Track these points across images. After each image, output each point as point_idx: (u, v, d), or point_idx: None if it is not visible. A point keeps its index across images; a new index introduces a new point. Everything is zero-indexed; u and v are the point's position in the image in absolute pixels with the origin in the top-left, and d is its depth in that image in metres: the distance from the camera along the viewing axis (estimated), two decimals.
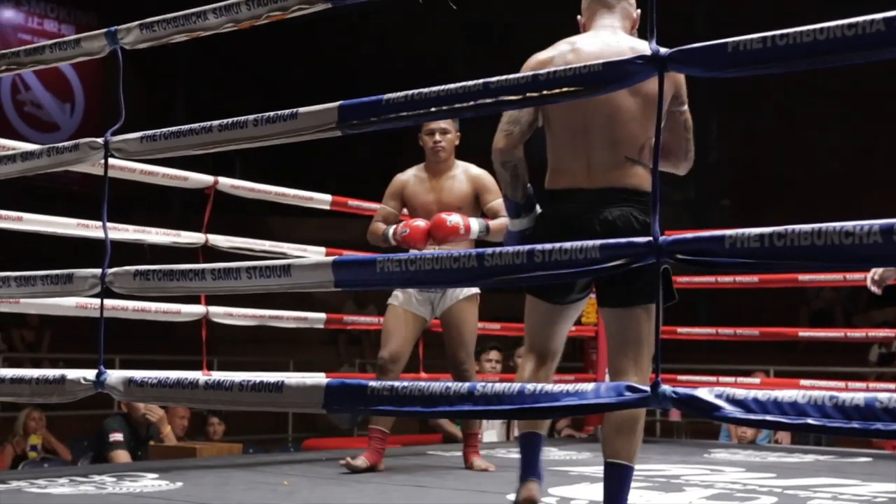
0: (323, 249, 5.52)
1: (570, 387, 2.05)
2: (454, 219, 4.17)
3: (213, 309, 5.05)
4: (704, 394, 1.91)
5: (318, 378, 2.52)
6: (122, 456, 5.46)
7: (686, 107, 2.84)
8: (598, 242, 2.14)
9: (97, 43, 3.15)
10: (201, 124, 2.85)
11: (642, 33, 2.84)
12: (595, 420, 6.11)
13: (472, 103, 2.37)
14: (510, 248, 2.22)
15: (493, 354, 6.66)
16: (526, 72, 2.43)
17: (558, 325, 2.94)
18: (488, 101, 2.34)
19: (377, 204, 4.78)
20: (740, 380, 6.10)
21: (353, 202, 5.74)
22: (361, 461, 4.31)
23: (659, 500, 3.64)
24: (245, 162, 11.86)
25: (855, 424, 1.70)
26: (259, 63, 14.54)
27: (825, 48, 1.92)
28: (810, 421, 1.75)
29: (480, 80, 2.36)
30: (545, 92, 2.29)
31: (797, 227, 1.88)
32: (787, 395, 1.79)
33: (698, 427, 7.90)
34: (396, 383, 2.23)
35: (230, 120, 2.79)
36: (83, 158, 3.10)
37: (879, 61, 1.95)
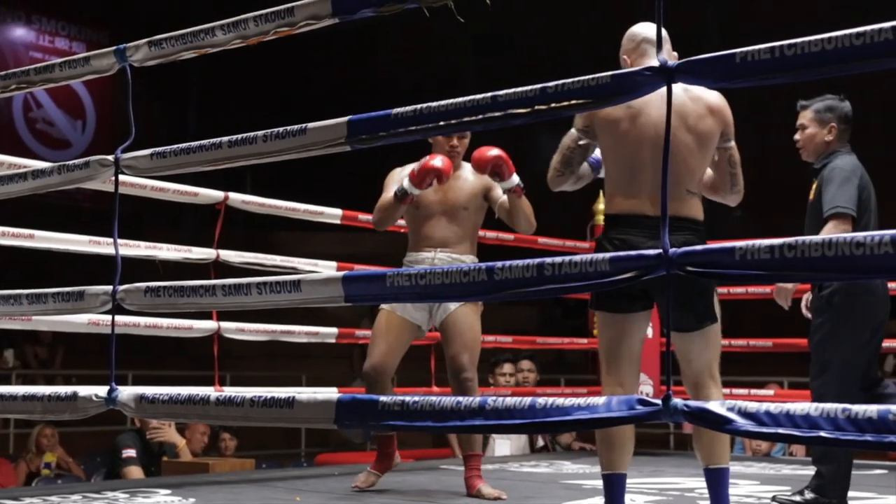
0: (334, 264, 5.49)
1: (581, 400, 2.04)
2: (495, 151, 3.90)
3: (225, 324, 5.05)
4: (716, 406, 1.90)
5: (330, 393, 2.52)
6: (135, 472, 5.46)
7: (733, 143, 3.09)
8: (608, 255, 2.14)
9: (106, 60, 3.17)
10: (211, 140, 2.86)
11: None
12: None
13: (480, 117, 2.37)
14: (519, 262, 2.21)
15: (507, 367, 6.64)
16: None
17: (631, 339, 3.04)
18: (497, 114, 2.34)
19: None
20: (754, 392, 6.07)
21: (363, 216, 5.71)
22: (372, 478, 4.22)
23: None
24: (256, 177, 11.89)
25: (868, 437, 1.69)
26: (272, 79, 14.58)
27: (834, 58, 1.92)
28: (823, 434, 1.74)
29: (489, 94, 2.35)
30: (554, 105, 2.28)
31: (808, 237, 1.88)
32: (799, 407, 1.78)
33: None
34: (407, 398, 2.22)
35: (240, 136, 2.79)
36: (94, 176, 3.11)
37: (893, 69, 1.94)
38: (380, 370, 4.04)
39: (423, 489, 4.37)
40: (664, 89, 2.45)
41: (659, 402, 1.97)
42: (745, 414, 1.84)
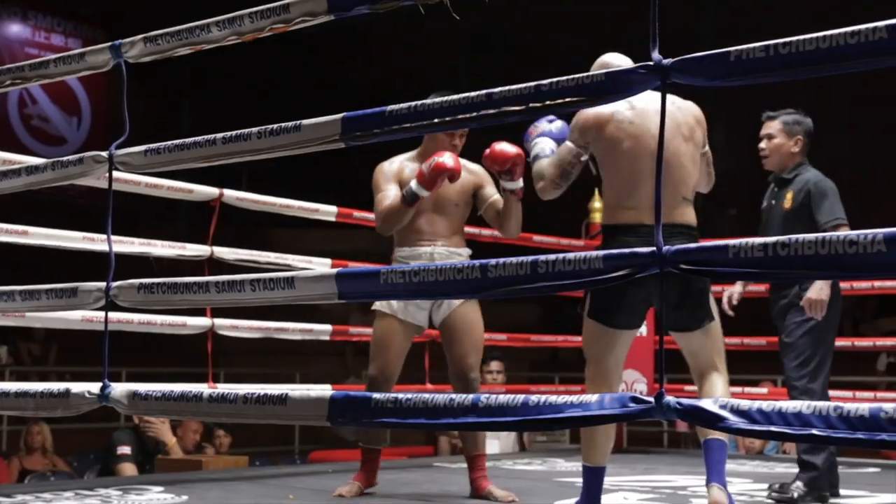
0: (328, 261, 5.49)
1: (574, 398, 2.04)
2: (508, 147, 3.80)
3: (219, 321, 5.05)
4: (708, 404, 1.90)
5: (323, 391, 2.51)
6: (129, 469, 5.45)
7: (707, 147, 3.34)
8: (602, 253, 2.14)
9: (101, 57, 3.16)
10: (205, 137, 2.85)
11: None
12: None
13: (475, 114, 2.36)
14: (513, 260, 2.21)
15: (495, 365, 6.63)
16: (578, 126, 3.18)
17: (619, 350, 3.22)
18: (491, 111, 2.34)
19: None
20: (747, 390, 6.08)
21: (358, 213, 5.72)
22: (355, 488, 4.05)
23: None
24: (251, 173, 11.88)
25: (860, 435, 1.69)
26: (266, 76, 14.56)
27: (828, 56, 1.92)
28: (815, 431, 1.74)
29: (483, 91, 2.35)
30: (548, 102, 2.28)
31: (801, 236, 1.87)
32: (791, 405, 1.78)
33: None
34: (401, 395, 2.22)
35: (234, 132, 2.79)
36: (88, 172, 3.10)
37: (889, 69, 1.94)
38: (388, 376, 4.00)
39: (424, 492, 4.27)
40: (657, 104, 2.47)
41: (652, 399, 1.97)
42: (737, 412, 1.84)
